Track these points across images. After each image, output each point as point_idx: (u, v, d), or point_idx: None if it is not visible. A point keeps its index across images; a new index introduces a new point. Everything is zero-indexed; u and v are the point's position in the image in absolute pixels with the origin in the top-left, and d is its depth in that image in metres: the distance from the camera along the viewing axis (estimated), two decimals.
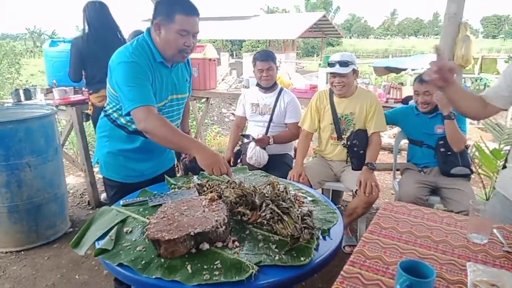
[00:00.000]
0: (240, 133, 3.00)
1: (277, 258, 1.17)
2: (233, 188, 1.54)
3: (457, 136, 2.29)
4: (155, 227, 1.24)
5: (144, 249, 1.22)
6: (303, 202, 1.59)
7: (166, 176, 1.88)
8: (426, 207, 1.47)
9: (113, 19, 3.08)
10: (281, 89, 2.86)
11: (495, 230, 1.24)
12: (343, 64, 2.37)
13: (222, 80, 5.09)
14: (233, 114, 3.45)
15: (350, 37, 58.57)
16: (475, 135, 5.36)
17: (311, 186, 2.35)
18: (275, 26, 21.19)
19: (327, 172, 2.64)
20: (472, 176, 2.48)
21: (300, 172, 2.46)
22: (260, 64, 2.73)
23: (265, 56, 2.74)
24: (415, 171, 2.54)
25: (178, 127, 1.99)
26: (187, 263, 1.14)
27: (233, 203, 1.47)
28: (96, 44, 2.95)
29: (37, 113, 2.77)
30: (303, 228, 1.28)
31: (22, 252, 2.67)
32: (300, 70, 18.92)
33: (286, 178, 2.37)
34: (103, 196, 3.45)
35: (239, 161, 2.78)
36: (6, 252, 2.66)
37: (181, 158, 2.19)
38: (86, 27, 2.99)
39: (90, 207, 3.42)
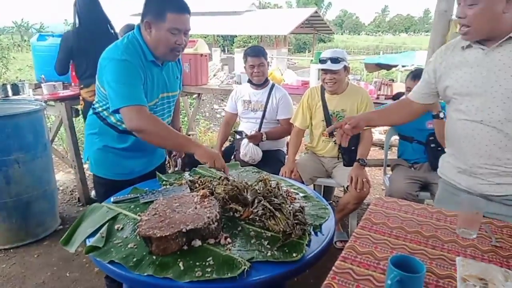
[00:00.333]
0: (232, 130, 2.99)
1: (269, 254, 1.18)
2: (225, 184, 1.54)
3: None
4: (146, 224, 1.23)
5: (135, 246, 1.21)
6: (295, 198, 1.59)
7: (157, 173, 1.87)
8: (416, 203, 1.49)
9: (104, 13, 3.05)
10: (273, 85, 2.85)
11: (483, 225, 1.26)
12: (334, 60, 2.37)
13: (214, 75, 5.05)
14: (224, 110, 3.42)
15: (342, 33, 58.75)
16: None
17: (303, 182, 2.36)
18: (267, 21, 21.11)
19: (318, 168, 2.65)
20: None
21: (292, 168, 2.47)
22: (251, 60, 2.71)
23: (256, 52, 2.73)
24: (406, 167, 2.57)
25: (169, 124, 1.98)
26: (179, 260, 1.14)
27: (225, 199, 1.47)
28: (87, 38, 2.91)
29: (26, 109, 2.72)
30: (295, 224, 1.29)
31: (11, 250, 2.63)
32: (292, 66, 18.89)
33: (278, 174, 2.37)
34: (93, 193, 3.42)
35: (232, 157, 2.77)
36: None
37: (172, 155, 2.18)
38: (77, 22, 2.96)
39: (80, 204, 3.39)
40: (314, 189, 3.00)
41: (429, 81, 1.61)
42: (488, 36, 1.36)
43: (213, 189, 1.53)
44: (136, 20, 1.77)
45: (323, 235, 1.35)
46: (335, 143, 2.56)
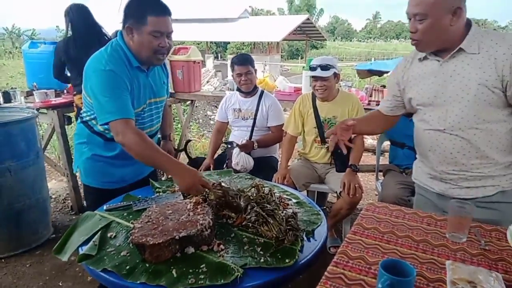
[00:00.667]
0: (223, 141, 3.00)
1: (262, 260, 1.18)
2: (218, 190, 1.54)
3: None
4: (139, 231, 1.23)
5: (128, 254, 1.21)
6: (287, 204, 1.60)
7: (150, 180, 1.87)
8: (407, 208, 1.51)
9: (95, 21, 3.07)
10: (262, 92, 2.86)
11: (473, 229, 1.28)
12: (324, 67, 2.41)
13: (207, 82, 5.08)
14: (215, 119, 3.43)
15: (334, 40, 59.21)
16: None
17: (296, 188, 2.37)
18: (260, 28, 21.24)
19: (311, 174, 2.67)
20: None
21: (285, 174, 2.48)
22: (239, 68, 2.72)
23: (243, 60, 2.74)
24: (397, 172, 2.59)
25: (158, 129, 1.98)
26: (172, 267, 1.14)
27: (218, 206, 1.47)
28: (80, 47, 2.93)
29: (17, 117, 2.71)
30: (287, 230, 1.29)
31: (3, 260, 2.60)
32: (285, 73, 19.02)
33: (271, 181, 2.38)
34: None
35: (224, 166, 2.78)
36: None
37: None
38: (70, 30, 2.98)
39: (73, 212, 3.36)
40: (308, 195, 3.02)
41: (394, 94, 1.69)
42: (439, 47, 1.45)
43: (206, 195, 1.53)
44: None
45: (315, 240, 1.36)
46: (328, 149, 2.58)
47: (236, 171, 2.60)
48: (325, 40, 33.93)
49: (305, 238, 1.35)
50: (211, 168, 2.81)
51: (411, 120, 2.49)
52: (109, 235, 1.34)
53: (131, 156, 1.61)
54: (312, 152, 2.67)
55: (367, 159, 4.84)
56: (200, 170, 2.71)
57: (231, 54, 23.51)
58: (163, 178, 2.19)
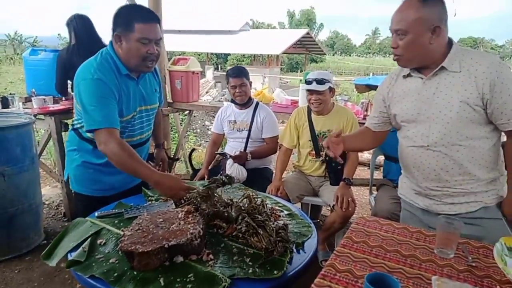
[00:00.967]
0: (216, 152, 3.02)
1: (250, 271, 1.19)
2: (209, 201, 1.55)
3: None
4: (129, 239, 1.24)
5: (117, 261, 1.22)
6: (279, 216, 1.61)
7: (143, 188, 1.87)
8: (397, 222, 1.52)
9: (96, 31, 3.13)
10: (257, 104, 2.89)
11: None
12: (320, 82, 2.44)
13: (206, 92, 5.12)
14: (211, 131, 3.46)
15: (333, 54, 59.82)
16: None
17: (289, 200, 2.37)
18: (260, 41, 21.50)
19: (305, 186, 2.67)
20: None
21: (278, 186, 2.49)
22: (233, 80, 2.75)
23: (238, 72, 2.78)
24: (390, 187, 2.60)
25: (149, 137, 1.99)
26: (160, 275, 1.14)
27: (209, 215, 1.48)
28: (83, 55, 2.95)
29: (14, 122, 2.72)
30: (277, 242, 1.30)
31: None
32: (284, 85, 19.17)
33: (265, 192, 2.39)
34: None
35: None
36: None
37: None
38: (73, 39, 3.01)
39: (66, 219, 3.34)
40: (302, 208, 3.03)
41: (381, 110, 1.73)
42: (420, 64, 1.50)
43: (198, 205, 1.54)
44: None
45: (305, 252, 1.36)
46: (322, 162, 2.60)
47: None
48: (325, 54, 34.28)
49: (294, 250, 1.35)
50: (205, 178, 2.82)
51: None
52: (99, 242, 1.35)
53: None
54: (307, 165, 2.68)
55: (363, 173, 4.85)
56: (195, 180, 2.72)
57: (231, 65, 23.70)
58: None
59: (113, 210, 1.61)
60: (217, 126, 3.01)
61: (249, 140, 2.84)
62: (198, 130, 8.28)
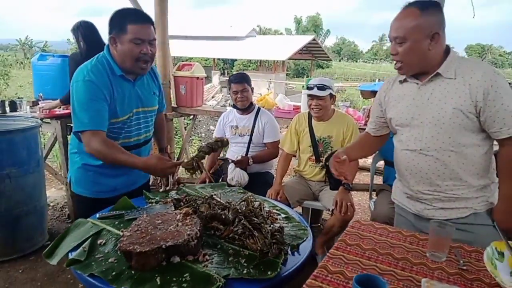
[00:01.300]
0: (217, 157, 3.05)
1: (245, 271, 1.21)
2: (208, 203, 1.58)
3: None
4: (128, 239, 1.27)
5: (116, 261, 1.25)
6: (276, 219, 1.64)
7: (144, 191, 1.90)
8: (392, 226, 1.54)
9: (100, 36, 3.20)
10: (259, 109, 2.94)
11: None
12: (321, 87, 2.48)
13: (212, 97, 5.19)
14: (213, 136, 3.49)
15: (340, 60, 59.87)
16: None
17: (289, 204, 2.40)
18: (266, 47, 21.64)
19: (305, 191, 2.70)
20: None
21: (278, 190, 2.52)
22: (235, 86, 2.81)
23: (239, 78, 2.83)
24: (390, 192, 2.60)
25: (148, 139, 2.01)
26: (156, 275, 1.17)
27: (207, 217, 1.51)
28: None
29: (21, 125, 2.79)
30: (272, 244, 1.32)
31: None
32: (289, 91, 19.25)
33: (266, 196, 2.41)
34: None
35: (220, 181, 2.82)
36: None
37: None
38: (83, 45, 3.09)
39: (70, 221, 3.40)
40: (303, 212, 3.05)
41: (378, 115, 1.77)
42: (420, 70, 1.52)
43: (197, 207, 1.57)
44: None
45: (299, 255, 1.38)
46: (322, 167, 2.62)
47: (231, 186, 2.64)
48: (331, 60, 34.33)
49: (289, 252, 1.38)
50: (207, 182, 2.85)
51: None
52: (99, 242, 1.38)
53: (121, 166, 1.67)
54: (307, 170, 2.71)
55: (364, 178, 4.85)
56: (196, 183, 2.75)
57: (237, 70, 23.81)
58: (161, 190, 2.21)
59: (114, 212, 1.64)
60: (219, 131, 3.05)
61: (251, 145, 2.88)
62: (203, 134, 8.34)
